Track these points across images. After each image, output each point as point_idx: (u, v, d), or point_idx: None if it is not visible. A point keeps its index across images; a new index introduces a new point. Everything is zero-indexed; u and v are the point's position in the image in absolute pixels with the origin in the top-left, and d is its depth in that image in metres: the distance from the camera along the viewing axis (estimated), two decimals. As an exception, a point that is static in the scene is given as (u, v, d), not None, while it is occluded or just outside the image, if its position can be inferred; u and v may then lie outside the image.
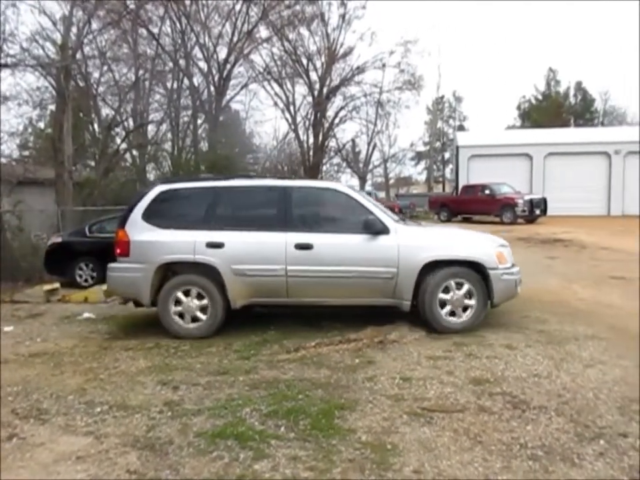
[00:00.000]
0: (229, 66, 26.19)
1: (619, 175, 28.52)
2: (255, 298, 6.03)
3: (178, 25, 24.52)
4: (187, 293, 5.94)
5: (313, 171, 33.66)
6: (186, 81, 26.12)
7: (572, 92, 55.04)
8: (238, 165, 23.68)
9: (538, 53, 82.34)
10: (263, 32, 28.19)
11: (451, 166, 49.15)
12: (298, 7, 27.56)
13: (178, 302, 5.93)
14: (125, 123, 24.78)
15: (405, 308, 5.92)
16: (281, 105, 33.97)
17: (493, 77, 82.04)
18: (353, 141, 44.62)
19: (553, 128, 39.62)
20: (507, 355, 4.91)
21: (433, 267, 5.77)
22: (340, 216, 6.21)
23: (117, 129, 23.99)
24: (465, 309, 5.83)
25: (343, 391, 4.14)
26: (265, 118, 51.82)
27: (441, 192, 50.28)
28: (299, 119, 34.46)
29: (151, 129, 26.61)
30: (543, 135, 33.20)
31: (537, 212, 21.20)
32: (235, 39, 25.74)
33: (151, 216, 6.02)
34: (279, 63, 31.32)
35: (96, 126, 25.74)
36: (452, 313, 5.82)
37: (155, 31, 23.55)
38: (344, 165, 46.05)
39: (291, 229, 5.89)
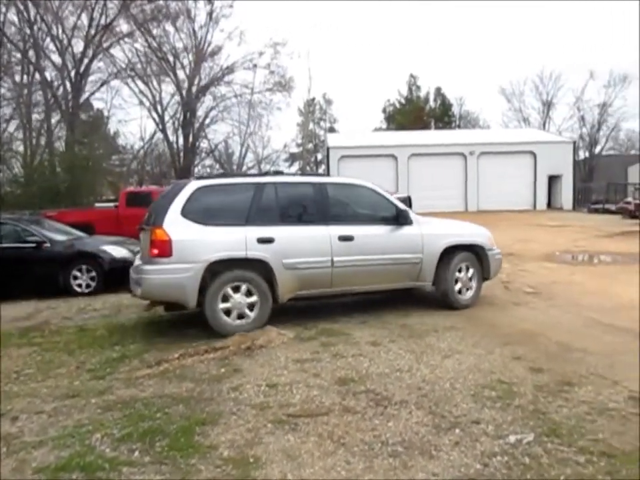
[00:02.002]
0: (86, 60, 24.45)
1: (474, 174, 31.01)
2: (300, 291, 6.11)
3: (25, 13, 22.41)
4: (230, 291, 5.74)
5: (184, 173, 32.61)
6: (37, 75, 23.95)
7: (432, 97, 58.94)
8: (101, 166, 22.20)
9: (401, 59, 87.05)
10: (124, 26, 26.74)
11: (323, 166, 50.31)
12: (161, 2, 26.50)
13: (225, 300, 5.70)
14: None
15: (428, 289, 6.90)
16: (147, 104, 32.52)
17: (361, 81, 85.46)
18: (225, 142, 44.02)
19: (415, 130, 42.17)
20: (372, 351, 4.99)
21: (448, 251, 6.66)
22: (370, 209, 6.72)
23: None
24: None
25: (205, 405, 3.91)
26: (130, 117, 49.32)
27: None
28: (167, 118, 33.21)
29: (-3, 127, 24.07)
30: (406, 137, 35.18)
31: (403, 209, 22.25)
32: (93, 31, 24.09)
33: (190, 213, 5.68)
34: (143, 59, 29.93)
35: None
36: (460, 291, 6.76)
37: (-2, 18, 21.33)
38: (217, 166, 45.28)
39: (332, 222, 6.21)
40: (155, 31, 28.46)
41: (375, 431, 3.39)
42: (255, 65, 35.37)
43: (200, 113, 34.82)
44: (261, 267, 5.80)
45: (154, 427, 3.57)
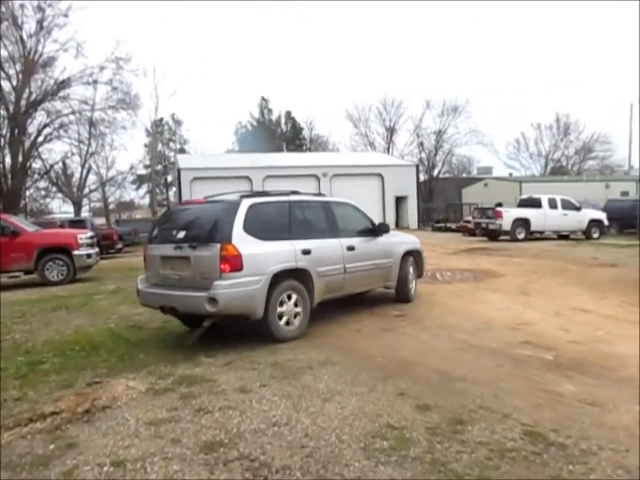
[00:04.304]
0: None
1: (327, 194, 31.59)
2: (324, 295, 6.83)
3: None
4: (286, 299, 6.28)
5: (13, 197, 28.98)
6: None
7: (283, 120, 59.80)
8: None
9: (251, 81, 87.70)
10: None
11: (174, 189, 48.22)
12: (-21, 4, 23.39)
13: (280, 307, 6.19)
14: None
15: (393, 288, 8.31)
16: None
17: (211, 102, 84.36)
18: (63, 162, 40.26)
19: (268, 153, 42.27)
20: (242, 401, 4.26)
21: (404, 255, 8.29)
22: (358, 223, 7.84)
23: None
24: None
25: (24, 505, 2.91)
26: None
27: (165, 215, 48.81)
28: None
29: None
30: (260, 159, 35.01)
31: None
32: None
33: (248, 228, 6.02)
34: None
35: None
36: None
37: None
38: (54, 189, 41.24)
39: (340, 235, 7.21)
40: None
41: (255, 516, 2.70)
42: (95, 81, 33.00)
43: (31, 129, 31.40)
44: (303, 276, 6.43)
45: None
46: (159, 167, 55.57)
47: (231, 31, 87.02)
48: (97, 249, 13.96)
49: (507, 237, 20.93)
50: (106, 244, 21.11)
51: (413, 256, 8.63)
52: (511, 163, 62.40)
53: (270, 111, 59.99)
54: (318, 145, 60.29)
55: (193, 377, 4.93)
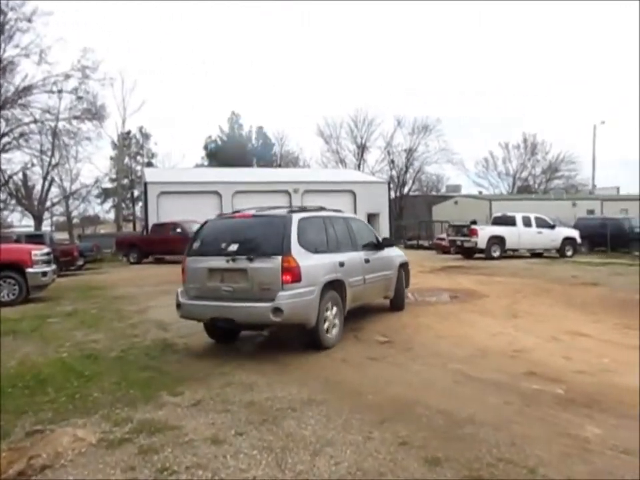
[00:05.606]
0: None
1: (298, 211, 30.95)
2: (350, 305, 7.10)
3: None
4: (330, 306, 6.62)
5: (-33, 209, 27.38)
6: None
7: (254, 135, 59.07)
8: None
9: (222, 96, 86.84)
10: None
11: (141, 204, 46.84)
12: None
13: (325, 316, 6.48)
14: None
15: (391, 298, 8.86)
16: None
17: (180, 116, 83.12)
18: (23, 173, 38.62)
19: (238, 168, 41.52)
20: (214, 456, 3.54)
21: (399, 267, 8.85)
22: (367, 237, 8.32)
23: None
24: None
25: None
26: None
27: (131, 231, 47.50)
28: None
29: None
30: (230, 174, 34.27)
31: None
32: None
33: (301, 242, 6.29)
34: None
35: None
36: None
37: None
38: (12, 201, 39.49)
39: (359, 248, 7.70)
40: None
41: None
42: (60, 90, 31.81)
43: (-11, 139, 29.99)
44: (339, 287, 6.77)
45: None
46: (125, 180, 54.00)
47: (202, 44, 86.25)
48: (53, 267, 12.94)
49: (481, 255, 20.63)
50: (65, 260, 19.85)
51: (403, 268, 9.09)
52: (480, 181, 62.85)
53: (240, 125, 59.22)
54: (289, 160, 59.69)
55: (154, 422, 4.18)
